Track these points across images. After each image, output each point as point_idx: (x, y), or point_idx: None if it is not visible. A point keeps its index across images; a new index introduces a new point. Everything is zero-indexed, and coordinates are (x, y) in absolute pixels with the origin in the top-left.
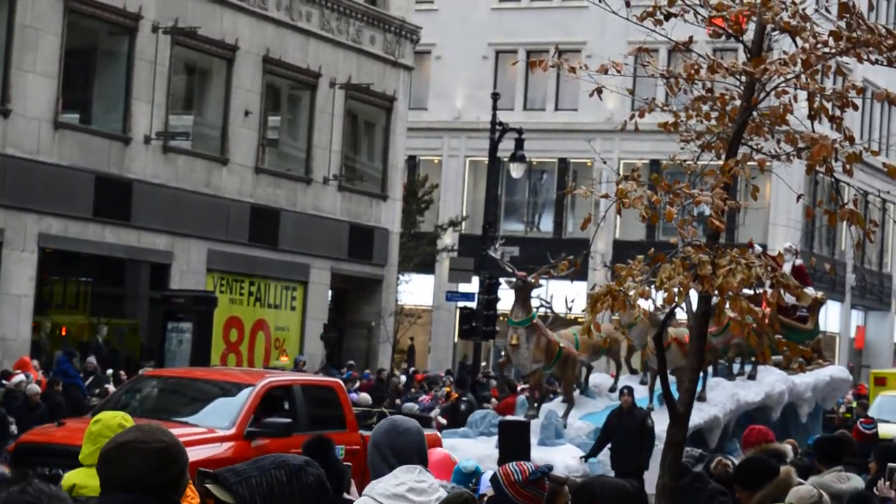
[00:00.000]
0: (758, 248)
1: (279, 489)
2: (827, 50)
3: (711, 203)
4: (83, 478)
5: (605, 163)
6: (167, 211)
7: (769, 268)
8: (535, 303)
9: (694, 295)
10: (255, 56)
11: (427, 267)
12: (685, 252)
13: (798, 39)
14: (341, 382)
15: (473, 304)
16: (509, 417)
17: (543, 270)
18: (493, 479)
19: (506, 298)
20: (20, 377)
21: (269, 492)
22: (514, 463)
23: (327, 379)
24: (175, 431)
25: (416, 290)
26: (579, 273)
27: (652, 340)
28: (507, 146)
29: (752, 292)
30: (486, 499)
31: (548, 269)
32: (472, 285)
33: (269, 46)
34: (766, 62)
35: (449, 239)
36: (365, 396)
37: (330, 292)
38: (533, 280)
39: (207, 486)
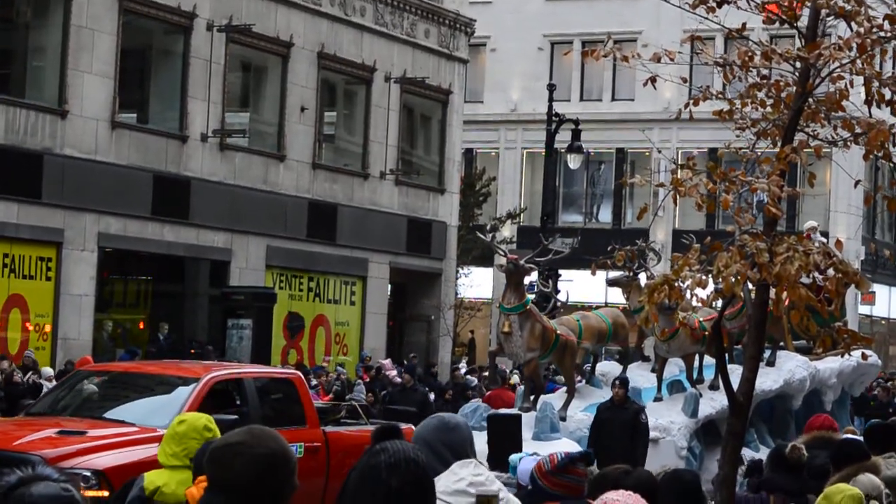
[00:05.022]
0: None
1: (361, 462)
2: (883, 34)
3: (768, 190)
4: (166, 479)
5: (660, 152)
6: (225, 208)
7: (828, 254)
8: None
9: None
10: (310, 52)
11: (486, 260)
12: (742, 240)
13: (853, 24)
14: (300, 375)
15: (533, 296)
16: (502, 411)
17: (601, 262)
18: (531, 476)
19: (567, 289)
20: None
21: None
22: (549, 454)
23: (285, 371)
24: (111, 431)
25: (475, 284)
26: (637, 263)
27: (659, 328)
28: (563, 137)
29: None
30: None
31: (605, 259)
32: (531, 277)
33: (324, 42)
34: (820, 47)
35: (507, 231)
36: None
37: (389, 286)
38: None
39: None
